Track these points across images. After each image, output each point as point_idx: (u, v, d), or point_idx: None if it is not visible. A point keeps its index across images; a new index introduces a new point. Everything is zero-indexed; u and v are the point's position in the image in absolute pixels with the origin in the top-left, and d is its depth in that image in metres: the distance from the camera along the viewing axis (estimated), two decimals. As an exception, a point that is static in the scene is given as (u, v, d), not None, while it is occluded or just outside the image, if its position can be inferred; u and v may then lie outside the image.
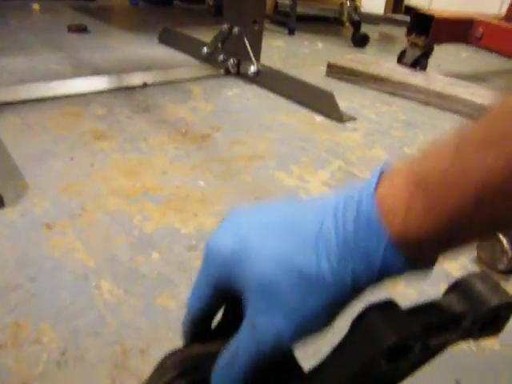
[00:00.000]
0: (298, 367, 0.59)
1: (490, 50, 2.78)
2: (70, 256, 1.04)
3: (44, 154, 1.44)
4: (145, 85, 2.12)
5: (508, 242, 1.15)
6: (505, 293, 0.62)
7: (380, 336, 0.54)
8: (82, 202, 1.23)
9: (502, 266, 1.18)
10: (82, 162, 1.42)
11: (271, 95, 2.18)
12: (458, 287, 0.63)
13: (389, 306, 0.57)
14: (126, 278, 0.98)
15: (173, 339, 0.83)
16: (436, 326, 0.58)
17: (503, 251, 1.16)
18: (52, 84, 1.99)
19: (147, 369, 0.70)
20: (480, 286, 0.62)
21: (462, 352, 0.92)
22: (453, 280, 0.65)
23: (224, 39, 2.36)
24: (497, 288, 0.62)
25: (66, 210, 1.19)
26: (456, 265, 1.18)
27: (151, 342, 0.83)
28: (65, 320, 0.88)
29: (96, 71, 2.27)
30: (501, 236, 1.15)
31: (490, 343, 0.95)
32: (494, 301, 0.60)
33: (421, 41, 2.62)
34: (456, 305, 0.60)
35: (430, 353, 0.60)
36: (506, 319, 0.63)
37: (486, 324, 0.61)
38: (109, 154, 1.49)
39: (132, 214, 1.20)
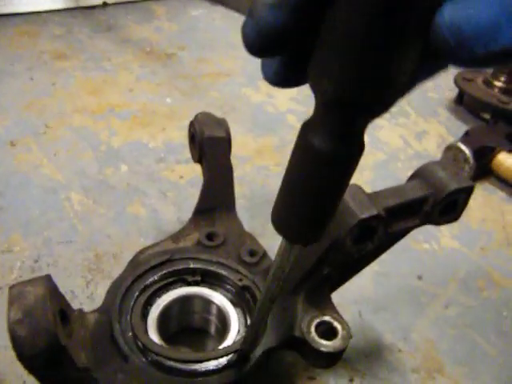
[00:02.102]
0: None
1: None
2: (36, 171, 1.03)
3: (1, 74, 1.38)
4: (105, 4, 2.01)
5: (470, 151, 1.18)
6: (463, 179, 0.65)
7: (345, 216, 0.56)
8: (45, 120, 1.19)
9: (464, 175, 1.21)
10: (43, 81, 1.36)
11: (238, 15, 2.11)
12: (420, 174, 0.65)
13: (354, 190, 0.59)
14: (96, 189, 0.98)
15: (144, 244, 0.84)
16: (399, 210, 0.61)
17: (466, 160, 1.19)
18: (4, 1, 1.86)
19: (120, 271, 0.72)
20: (441, 173, 0.64)
21: (424, 250, 0.97)
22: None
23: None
24: (456, 175, 0.65)
25: (29, 127, 1.16)
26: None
27: (123, 248, 0.85)
28: (36, 230, 0.88)
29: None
30: (463, 146, 1.18)
31: (450, 242, 1.00)
32: (453, 185, 0.63)
33: None
34: (418, 190, 0.63)
35: (392, 237, 0.64)
36: (464, 204, 0.66)
37: (446, 209, 0.64)
38: (71, 73, 1.43)
39: (98, 130, 1.17)
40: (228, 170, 0.74)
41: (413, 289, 0.87)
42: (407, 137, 1.33)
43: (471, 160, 1.17)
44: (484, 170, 1.20)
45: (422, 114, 1.46)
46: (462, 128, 1.29)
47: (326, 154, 0.29)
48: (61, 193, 0.97)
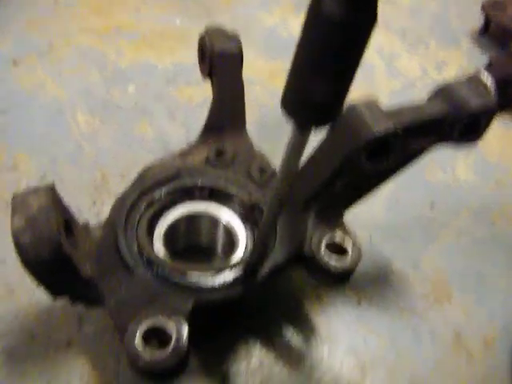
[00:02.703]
0: None
1: None
2: (41, 91, 0.99)
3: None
4: None
5: (492, 81, 1.12)
6: (487, 97, 0.61)
7: (361, 131, 0.53)
8: (49, 39, 1.14)
9: (489, 92, 1.16)
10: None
11: None
12: (442, 92, 0.61)
13: (371, 105, 0.56)
14: (102, 109, 0.95)
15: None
16: (417, 127, 0.57)
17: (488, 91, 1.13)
18: None
19: (128, 190, 0.70)
20: (463, 91, 0.60)
21: (438, 180, 0.94)
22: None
23: None
24: (482, 92, 0.61)
25: (32, 46, 1.11)
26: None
27: (130, 168, 0.83)
28: (41, 149, 0.86)
29: None
30: (483, 75, 1.12)
31: (464, 173, 0.97)
32: (475, 104, 0.59)
33: None
34: (438, 109, 0.59)
35: (409, 155, 0.61)
36: (487, 124, 0.63)
37: (467, 128, 0.61)
38: (74, -9, 1.36)
39: (105, 50, 1.13)
40: (239, 85, 0.70)
41: (425, 217, 0.85)
42: (426, 66, 1.27)
43: (493, 91, 1.11)
44: (505, 102, 1.15)
45: (443, 43, 1.39)
46: (485, 59, 1.23)
47: (337, 18, 0.26)
48: (66, 113, 0.94)
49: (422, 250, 0.80)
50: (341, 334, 0.67)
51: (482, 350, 0.68)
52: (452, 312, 0.72)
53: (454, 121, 0.58)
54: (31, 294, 0.64)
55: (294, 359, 0.63)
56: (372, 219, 0.82)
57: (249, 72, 0.97)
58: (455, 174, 0.96)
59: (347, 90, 0.32)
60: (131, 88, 1.01)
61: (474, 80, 0.64)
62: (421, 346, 0.67)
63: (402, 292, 0.73)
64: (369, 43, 0.29)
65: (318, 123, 0.33)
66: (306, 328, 0.66)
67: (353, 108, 0.53)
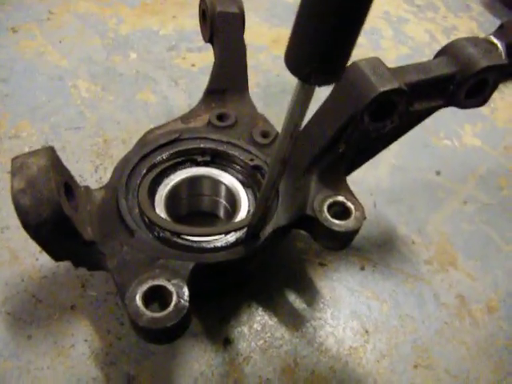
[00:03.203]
0: None
1: None
2: (41, 58, 0.98)
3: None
4: None
5: (503, 44, 1.09)
6: (496, 56, 0.59)
7: (364, 89, 0.51)
8: (48, 6, 1.12)
9: (497, 52, 1.13)
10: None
11: None
12: (448, 50, 0.59)
13: (375, 63, 0.54)
14: (104, 76, 0.94)
15: (155, 132, 0.82)
16: (422, 86, 0.56)
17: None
18: None
19: (130, 157, 0.70)
20: (471, 49, 0.58)
21: (445, 146, 0.93)
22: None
23: None
24: (488, 51, 0.59)
25: (31, 13, 1.09)
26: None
27: (132, 134, 0.82)
28: (42, 116, 0.85)
29: None
30: (495, 39, 1.09)
31: (472, 140, 0.96)
32: (484, 62, 0.57)
33: None
34: (444, 67, 0.57)
35: (413, 117, 0.59)
36: (494, 86, 0.61)
37: (473, 90, 0.59)
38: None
39: (106, 17, 1.11)
40: (241, 48, 0.69)
41: (430, 183, 0.84)
42: (434, 32, 1.24)
43: (503, 55, 1.09)
44: (516, 67, 1.12)
45: (452, 8, 1.35)
46: (496, 24, 1.19)
47: None
48: (67, 80, 0.93)
49: (427, 215, 0.79)
50: (344, 299, 0.66)
51: (485, 316, 0.68)
52: (456, 278, 0.72)
53: (461, 80, 0.56)
54: (35, 259, 0.65)
55: (296, 323, 0.63)
56: (377, 184, 0.82)
57: (253, 38, 0.95)
58: (462, 141, 0.95)
59: (351, 47, 0.31)
60: (133, 55, 1.00)
61: (483, 40, 0.62)
62: (424, 312, 0.67)
63: (406, 257, 0.73)
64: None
65: (321, 80, 0.32)
66: (309, 292, 0.66)
67: (356, 66, 0.52)
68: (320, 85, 0.32)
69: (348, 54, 0.31)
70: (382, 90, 0.50)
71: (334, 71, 0.31)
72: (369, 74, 0.51)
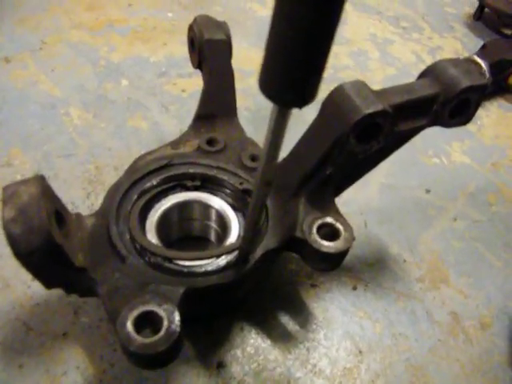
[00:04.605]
0: None
1: None
2: (34, 87, 0.99)
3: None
4: None
5: (486, 64, 1.12)
6: (477, 76, 0.61)
7: (349, 111, 0.52)
8: (41, 36, 1.14)
9: (479, 72, 1.15)
10: (37, -4, 1.30)
11: None
12: (431, 72, 0.61)
13: (359, 85, 0.55)
14: (96, 104, 0.95)
15: (146, 157, 0.83)
16: (406, 107, 0.57)
17: (481, 74, 1.13)
18: None
19: (122, 182, 0.70)
20: (452, 70, 0.60)
21: (434, 165, 0.94)
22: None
23: None
24: (469, 72, 0.60)
25: (24, 43, 1.11)
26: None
27: (124, 160, 0.83)
28: (35, 145, 0.86)
29: None
30: (478, 58, 1.12)
31: (460, 158, 0.97)
32: (465, 83, 0.58)
33: None
34: (427, 88, 0.59)
35: (399, 137, 0.60)
36: (477, 105, 0.62)
37: (457, 109, 0.61)
38: (66, -12, 1.36)
39: (97, 45, 1.13)
40: (229, 74, 0.70)
41: (421, 202, 0.85)
42: (420, 52, 1.27)
43: (487, 74, 1.11)
44: (500, 85, 1.14)
45: (437, 29, 1.39)
46: (479, 44, 1.22)
47: None
48: (60, 108, 0.94)
49: (418, 233, 0.80)
50: (337, 319, 0.67)
51: (478, 333, 0.68)
52: (449, 295, 0.72)
53: (444, 100, 0.57)
54: (27, 286, 0.65)
55: (289, 345, 0.63)
56: (368, 204, 0.82)
57: (242, 63, 0.97)
58: (451, 158, 0.96)
59: (322, 69, 0.31)
60: (124, 82, 1.01)
61: (464, 61, 0.64)
62: (417, 330, 0.67)
63: (398, 276, 0.73)
64: (339, 19, 0.29)
65: (295, 103, 0.33)
66: (302, 314, 0.66)
67: (341, 89, 0.53)
68: (293, 107, 0.33)
69: (320, 76, 0.31)
70: (366, 112, 0.51)
71: (306, 94, 0.32)
72: (353, 97, 0.52)
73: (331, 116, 0.52)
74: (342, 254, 0.53)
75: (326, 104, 0.54)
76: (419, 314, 0.69)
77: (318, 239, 0.53)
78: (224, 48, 0.70)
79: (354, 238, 0.54)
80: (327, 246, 0.53)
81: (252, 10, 1.34)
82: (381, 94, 0.54)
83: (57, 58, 1.08)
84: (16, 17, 1.19)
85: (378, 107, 0.52)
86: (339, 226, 0.54)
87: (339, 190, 0.61)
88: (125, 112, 0.93)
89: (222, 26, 0.72)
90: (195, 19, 0.73)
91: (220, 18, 0.76)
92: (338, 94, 0.53)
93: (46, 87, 0.99)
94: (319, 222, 0.54)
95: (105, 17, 1.24)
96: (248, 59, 1.10)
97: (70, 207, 0.73)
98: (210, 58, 0.69)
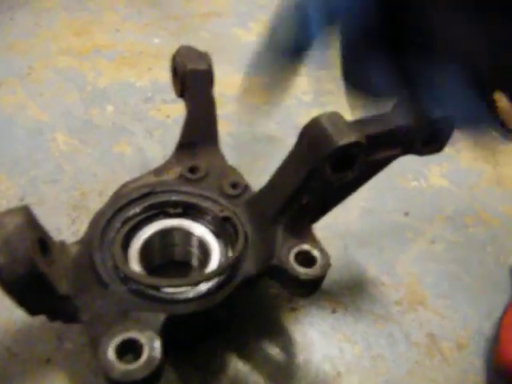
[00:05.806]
0: None
1: None
2: (21, 112, 1.01)
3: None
4: None
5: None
6: (448, 108, 0.64)
7: (323, 143, 0.55)
8: (29, 61, 1.16)
9: None
10: (25, 22, 1.32)
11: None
12: (404, 103, 0.64)
13: (333, 117, 0.58)
14: (82, 129, 0.97)
15: (131, 182, 0.84)
16: (380, 138, 0.60)
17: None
18: None
19: (107, 208, 0.72)
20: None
21: (412, 188, 0.97)
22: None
23: None
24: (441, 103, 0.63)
25: (12, 69, 1.13)
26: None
27: (109, 185, 0.84)
28: (21, 170, 0.88)
29: None
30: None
31: (438, 181, 1.00)
32: (437, 113, 0.61)
33: None
34: (401, 118, 0.62)
35: (374, 166, 0.63)
36: (449, 134, 0.65)
37: (430, 138, 0.63)
38: (54, 14, 1.38)
39: (84, 70, 1.15)
40: (210, 103, 0.73)
41: (399, 225, 0.88)
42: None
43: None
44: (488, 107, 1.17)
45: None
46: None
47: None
48: (46, 133, 0.96)
49: (396, 256, 0.82)
50: (316, 343, 0.68)
51: (455, 354, 0.70)
52: (426, 317, 0.74)
53: (415, 131, 0.60)
54: (10, 313, 0.65)
55: (270, 369, 0.64)
56: (347, 228, 0.85)
57: (226, 88, 0.99)
58: (429, 181, 0.99)
59: None
60: (110, 107, 1.03)
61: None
62: (395, 352, 0.69)
63: (376, 299, 0.75)
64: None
65: None
66: (282, 338, 0.68)
67: (316, 120, 0.55)
68: None
69: None
70: (340, 143, 0.53)
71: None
72: (328, 129, 0.54)
73: (307, 147, 0.55)
74: (318, 281, 0.55)
75: (302, 134, 0.56)
76: (397, 336, 0.71)
77: (295, 266, 0.55)
78: (206, 78, 0.72)
79: (330, 265, 0.56)
80: (304, 273, 0.54)
81: (237, 37, 1.37)
82: (355, 124, 0.57)
83: (44, 83, 1.10)
84: (5, 42, 1.21)
85: (352, 138, 0.54)
86: (316, 252, 0.56)
87: (317, 216, 0.63)
88: (110, 137, 0.95)
89: (204, 57, 0.75)
90: (178, 50, 0.75)
91: (205, 44, 0.79)
92: (313, 125, 0.55)
93: (33, 112, 1.01)
94: (296, 249, 0.56)
95: (92, 42, 1.26)
96: (231, 84, 1.13)
97: (55, 233, 0.74)
98: (192, 87, 0.72)
